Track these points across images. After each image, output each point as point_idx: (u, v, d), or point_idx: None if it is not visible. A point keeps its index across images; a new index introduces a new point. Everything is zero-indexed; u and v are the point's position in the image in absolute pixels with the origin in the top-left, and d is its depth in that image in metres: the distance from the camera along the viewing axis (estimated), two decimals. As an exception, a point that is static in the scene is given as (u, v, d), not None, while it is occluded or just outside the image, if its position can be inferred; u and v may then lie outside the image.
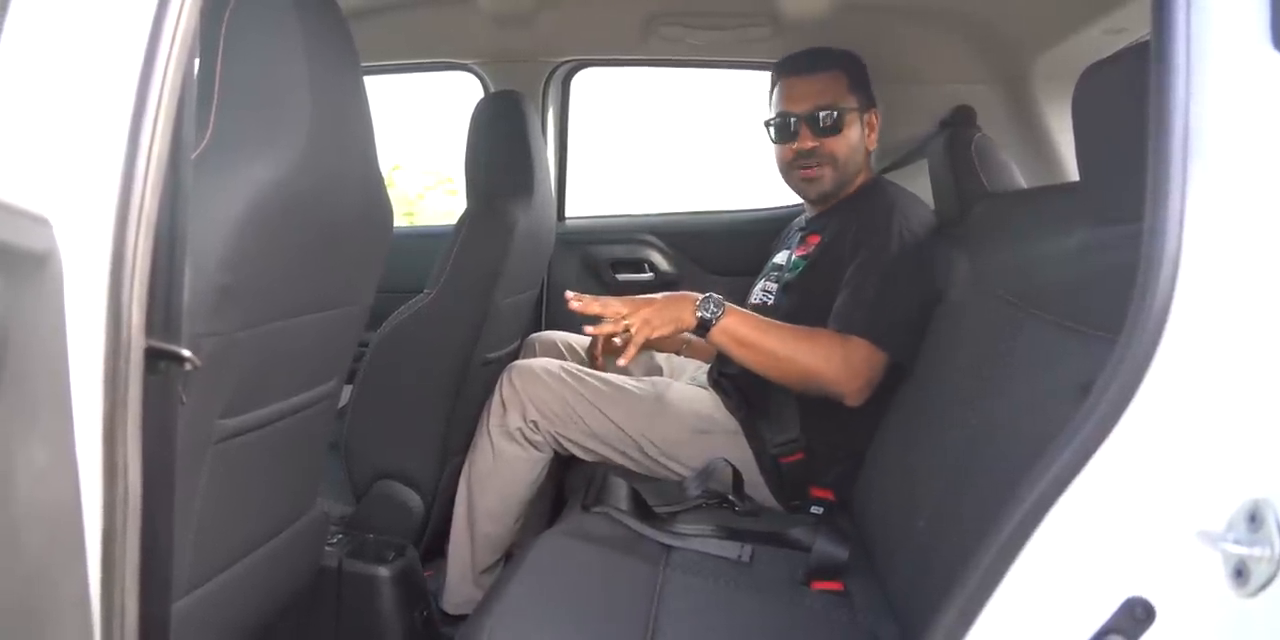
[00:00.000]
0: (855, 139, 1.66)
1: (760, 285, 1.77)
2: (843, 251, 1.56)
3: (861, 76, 1.69)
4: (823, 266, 1.59)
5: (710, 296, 1.44)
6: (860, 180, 1.69)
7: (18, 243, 0.52)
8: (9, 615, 0.52)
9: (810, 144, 1.64)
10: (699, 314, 1.42)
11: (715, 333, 1.43)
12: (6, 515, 0.51)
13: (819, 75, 1.65)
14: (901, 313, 1.45)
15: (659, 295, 1.45)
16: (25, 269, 0.53)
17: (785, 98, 1.67)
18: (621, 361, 1.41)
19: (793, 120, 1.65)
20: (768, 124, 1.70)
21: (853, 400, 1.45)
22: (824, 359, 1.43)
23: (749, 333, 1.44)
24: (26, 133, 0.62)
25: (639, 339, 1.38)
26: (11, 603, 0.52)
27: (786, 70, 1.69)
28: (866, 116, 1.68)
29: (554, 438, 1.59)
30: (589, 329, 1.41)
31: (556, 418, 1.57)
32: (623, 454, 1.59)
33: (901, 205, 1.56)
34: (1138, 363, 0.65)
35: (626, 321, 1.38)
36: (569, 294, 1.39)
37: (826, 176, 1.66)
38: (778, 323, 1.47)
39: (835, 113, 1.63)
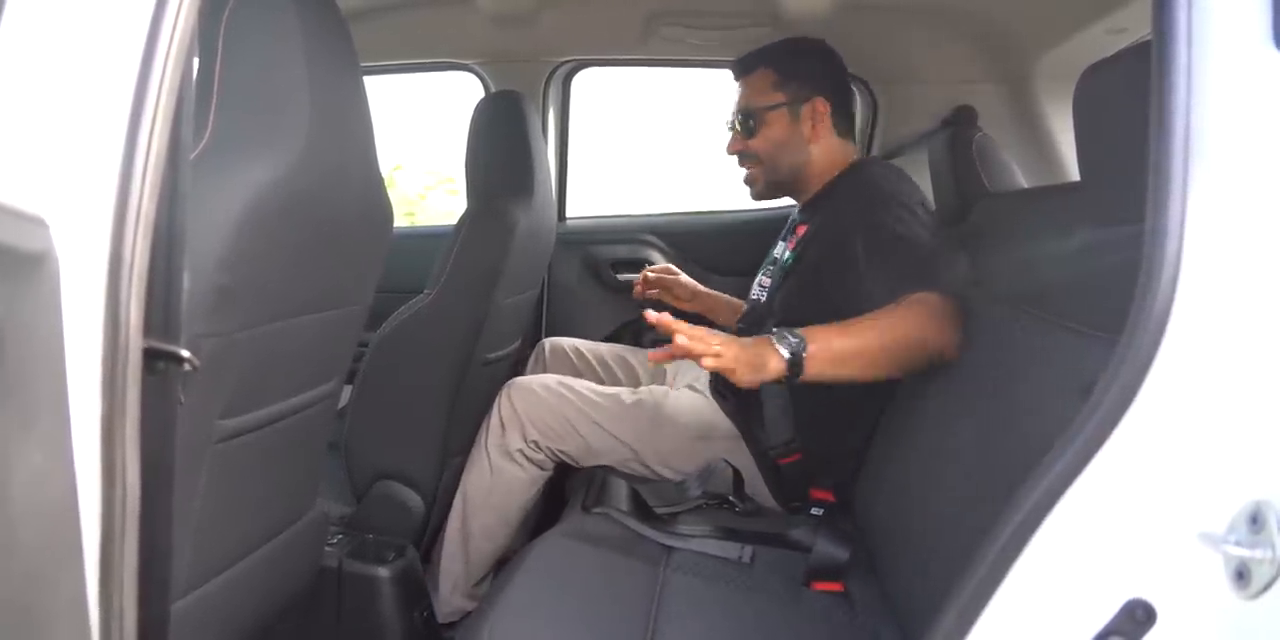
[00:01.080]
0: (778, 135, 1.64)
1: (757, 280, 1.77)
2: (829, 236, 1.53)
3: (794, 67, 1.65)
4: (809, 257, 1.58)
5: (781, 331, 1.22)
6: (835, 168, 1.65)
7: (15, 244, 0.52)
8: (7, 615, 0.52)
9: (736, 147, 1.69)
10: (782, 350, 1.20)
11: (810, 363, 1.21)
12: (4, 515, 0.51)
13: (745, 79, 1.69)
14: (940, 258, 1.36)
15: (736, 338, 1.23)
16: (22, 270, 0.53)
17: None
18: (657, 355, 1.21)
19: (726, 126, 1.70)
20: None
21: (954, 352, 1.26)
22: (920, 325, 1.26)
23: (842, 344, 1.24)
24: (24, 133, 0.62)
25: (714, 364, 1.17)
26: (9, 602, 0.52)
27: (733, 77, 1.73)
28: (803, 108, 1.63)
29: (554, 453, 1.60)
30: (668, 349, 1.18)
31: (555, 435, 1.58)
32: (624, 466, 1.59)
33: (884, 177, 1.53)
34: (1139, 364, 0.65)
35: (718, 347, 1.16)
36: (649, 314, 1.17)
37: (756, 176, 1.69)
38: (853, 320, 1.28)
39: (749, 113, 1.66)
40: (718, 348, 1.16)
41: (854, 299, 1.37)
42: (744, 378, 1.19)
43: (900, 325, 1.27)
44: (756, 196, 1.73)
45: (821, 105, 1.64)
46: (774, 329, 1.24)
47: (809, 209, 1.69)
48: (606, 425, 1.58)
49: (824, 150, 1.66)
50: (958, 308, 1.29)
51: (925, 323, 1.26)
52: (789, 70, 1.66)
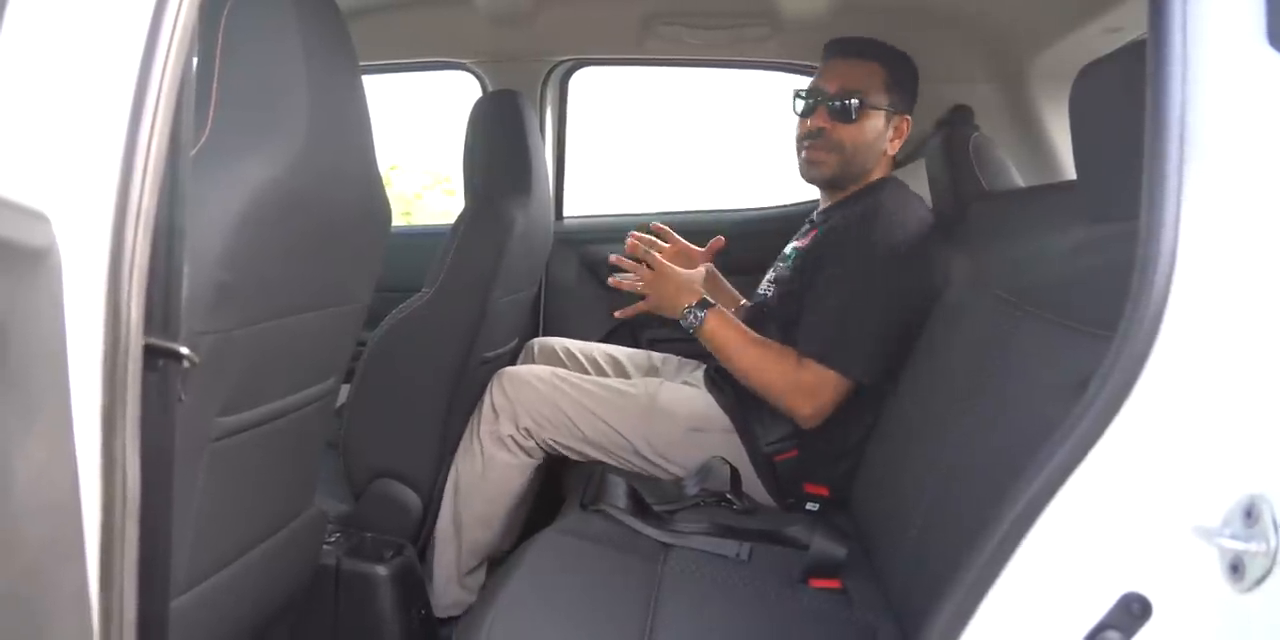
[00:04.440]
0: (871, 134, 1.60)
1: (767, 276, 1.77)
2: (825, 253, 1.55)
3: (903, 78, 1.64)
4: (807, 265, 1.59)
5: (697, 305, 1.54)
6: (870, 179, 1.66)
7: (17, 239, 0.52)
8: (8, 609, 0.52)
9: (821, 124, 1.60)
10: (682, 318, 1.55)
11: (700, 334, 1.55)
12: (7, 510, 0.51)
13: (857, 62, 1.62)
14: (869, 333, 1.44)
15: (682, 275, 1.58)
16: (24, 265, 0.53)
17: (820, 76, 1.65)
18: (617, 314, 1.66)
19: (816, 98, 1.62)
20: (796, 94, 1.66)
21: (806, 422, 1.49)
22: (777, 379, 1.49)
23: (721, 342, 1.54)
24: (26, 129, 0.62)
25: (643, 301, 1.60)
26: (11, 597, 0.52)
27: (831, 51, 1.67)
28: (895, 120, 1.62)
29: (547, 443, 1.60)
30: (613, 258, 1.65)
31: (549, 423, 1.58)
32: (617, 457, 1.59)
33: (890, 210, 1.52)
34: (1134, 360, 0.65)
35: (642, 285, 1.58)
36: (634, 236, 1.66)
37: (830, 162, 1.62)
38: (751, 336, 1.53)
39: (857, 101, 1.58)
40: (645, 290, 1.58)
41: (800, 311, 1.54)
42: (654, 304, 1.58)
43: (766, 370, 1.50)
44: (813, 182, 1.69)
45: (907, 125, 1.64)
46: (692, 305, 1.55)
47: (828, 213, 1.68)
48: (600, 413, 1.57)
49: (884, 166, 1.67)
50: (838, 388, 1.47)
51: (785, 385, 1.49)
52: (897, 77, 1.63)
